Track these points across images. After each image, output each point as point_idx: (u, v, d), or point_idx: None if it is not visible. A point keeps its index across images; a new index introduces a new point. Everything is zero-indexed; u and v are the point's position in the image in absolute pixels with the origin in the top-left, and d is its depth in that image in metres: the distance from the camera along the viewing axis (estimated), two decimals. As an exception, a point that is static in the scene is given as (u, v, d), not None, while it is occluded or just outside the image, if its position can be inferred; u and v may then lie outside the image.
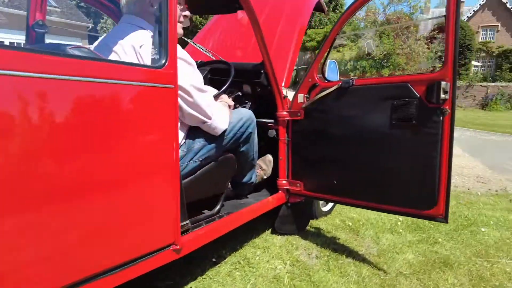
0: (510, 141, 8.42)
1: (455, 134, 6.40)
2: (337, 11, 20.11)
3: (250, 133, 1.90)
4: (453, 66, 1.50)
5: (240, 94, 2.21)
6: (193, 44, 2.49)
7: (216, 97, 1.95)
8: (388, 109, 1.68)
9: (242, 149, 1.93)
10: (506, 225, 2.79)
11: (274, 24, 2.59)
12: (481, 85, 16.48)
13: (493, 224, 2.78)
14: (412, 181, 1.68)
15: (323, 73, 2.14)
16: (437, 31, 17.45)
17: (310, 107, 2.08)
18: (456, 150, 7.07)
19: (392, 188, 1.75)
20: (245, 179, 2.15)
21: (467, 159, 6.32)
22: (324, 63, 2.12)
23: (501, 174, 5.44)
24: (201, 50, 2.46)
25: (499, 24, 28.11)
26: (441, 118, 1.54)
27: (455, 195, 4.02)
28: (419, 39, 14.59)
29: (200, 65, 2.36)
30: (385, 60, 14.34)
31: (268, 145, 2.41)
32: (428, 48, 14.72)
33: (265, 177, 2.34)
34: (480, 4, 28.70)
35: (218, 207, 1.89)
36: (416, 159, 1.65)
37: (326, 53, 2.04)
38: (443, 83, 1.50)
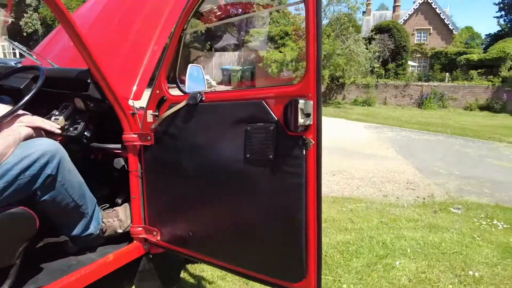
0: (441, 140, 8.61)
1: (391, 135, 6.24)
2: (280, 11, 19.96)
3: (49, 175, 1.27)
4: (317, 76, 1.00)
5: (57, 112, 1.58)
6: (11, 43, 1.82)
7: (13, 118, 1.31)
8: (242, 137, 1.16)
9: (44, 198, 1.31)
10: (424, 251, 2.44)
11: (131, 18, 1.98)
12: (416, 85, 17.19)
13: (411, 252, 2.42)
14: (273, 240, 1.17)
15: (179, 82, 1.57)
16: (375, 32, 17.98)
17: (159, 128, 1.51)
18: (390, 152, 6.98)
19: (252, 248, 1.24)
20: (75, 232, 1.52)
21: (399, 162, 6.20)
22: (178, 69, 1.56)
23: (430, 178, 5.33)
24: (22, 51, 1.79)
25: (431, 27, 30.08)
26: (303, 152, 1.05)
27: (381, 209, 3.70)
28: (358, 40, 14.77)
29: (16, 72, 1.69)
30: (325, 61, 14.32)
31: (122, 180, 1.80)
32: (367, 49, 14.97)
33: (120, 230, 1.72)
34: (414, 9, 30.46)
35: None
36: (276, 210, 1.14)
37: (174, 56, 1.48)
38: (301, 101, 1.01)
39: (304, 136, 1.04)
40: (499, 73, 17.40)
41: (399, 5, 34.11)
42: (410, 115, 14.00)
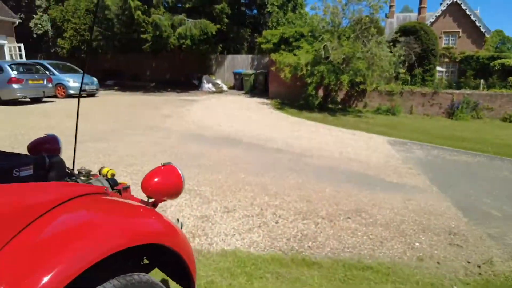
0: (483, 162, 7.09)
1: (421, 154, 4.48)
2: (296, 11, 18.71)
3: None
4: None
5: None
6: None
7: None
8: None
9: None
10: None
11: None
12: (446, 92, 15.50)
13: None
14: None
15: None
16: (400, 34, 16.40)
17: None
18: (421, 180, 5.56)
19: None
20: None
21: (435, 196, 4.80)
22: None
23: (480, 224, 3.94)
24: None
25: (460, 30, 28.17)
26: None
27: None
28: (381, 42, 13.28)
29: None
30: (344, 65, 12.88)
31: None
32: (391, 52, 13.44)
33: None
34: (441, 10, 28.60)
35: None
36: None
37: None
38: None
39: None
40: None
41: (425, 7, 32.29)
42: (440, 127, 12.40)
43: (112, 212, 1.08)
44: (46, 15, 21.16)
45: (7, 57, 17.81)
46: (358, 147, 7.72)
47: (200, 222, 3.42)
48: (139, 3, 15.48)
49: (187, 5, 16.97)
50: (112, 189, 1.45)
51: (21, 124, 7.96)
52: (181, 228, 1.72)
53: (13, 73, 11.24)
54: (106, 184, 1.44)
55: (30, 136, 6.87)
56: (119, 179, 4.58)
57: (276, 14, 18.81)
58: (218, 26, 16.77)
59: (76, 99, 1.40)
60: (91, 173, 1.63)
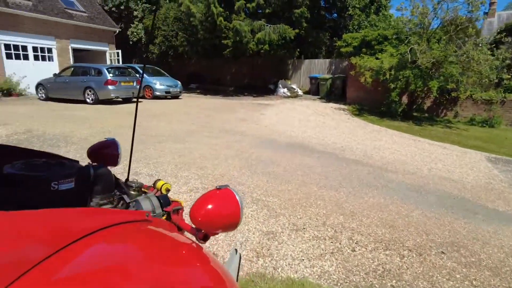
0: None
1: (507, 177, 3.51)
2: (380, 14, 17.48)
3: None
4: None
5: None
6: None
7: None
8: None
9: None
10: None
11: None
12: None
13: None
14: None
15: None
16: (505, 34, 14.16)
17: None
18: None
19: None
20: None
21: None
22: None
23: None
24: None
25: None
26: None
27: None
28: (479, 44, 11.59)
29: None
30: (433, 70, 11.52)
31: None
32: (493, 55, 11.62)
33: None
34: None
35: None
36: None
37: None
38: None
39: None
40: None
41: (495, 1, 27.77)
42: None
43: (143, 255, 0.82)
44: (141, 24, 23.28)
45: (108, 62, 20.00)
46: (451, 163, 6.70)
47: (266, 239, 3.13)
48: (221, 9, 16.01)
49: (267, 11, 17.05)
50: (162, 210, 1.23)
51: (110, 122, 8.66)
52: (239, 260, 1.43)
53: (109, 76, 12.46)
54: (155, 203, 1.22)
55: (114, 133, 7.44)
56: (189, 182, 4.52)
57: (357, 17, 17.86)
58: (296, 30, 16.52)
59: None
60: (144, 185, 1.44)
